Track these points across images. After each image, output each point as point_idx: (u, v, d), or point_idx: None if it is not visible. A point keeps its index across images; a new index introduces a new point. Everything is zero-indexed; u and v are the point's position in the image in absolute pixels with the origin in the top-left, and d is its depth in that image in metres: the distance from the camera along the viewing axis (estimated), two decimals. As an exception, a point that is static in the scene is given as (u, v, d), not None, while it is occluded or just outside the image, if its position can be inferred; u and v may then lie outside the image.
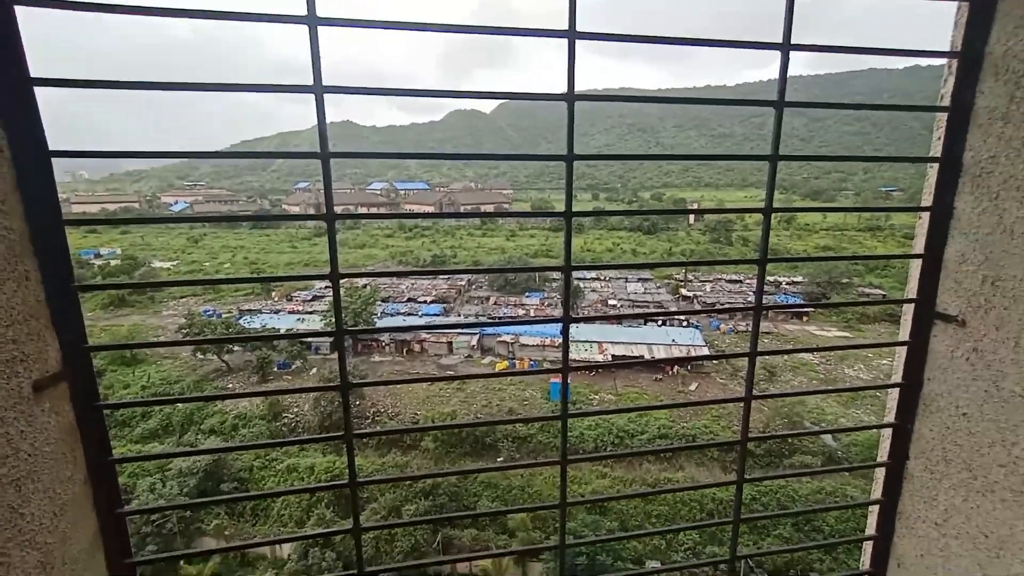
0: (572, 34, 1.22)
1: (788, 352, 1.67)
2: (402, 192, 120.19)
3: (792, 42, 1.34)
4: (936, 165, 1.50)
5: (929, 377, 1.59)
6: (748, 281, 48.91)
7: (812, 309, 23.41)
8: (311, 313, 39.76)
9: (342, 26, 1.11)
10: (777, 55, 1.37)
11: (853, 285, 46.64)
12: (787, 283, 48.98)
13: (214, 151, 1.21)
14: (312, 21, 1.08)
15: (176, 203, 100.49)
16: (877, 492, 1.76)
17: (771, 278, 49.40)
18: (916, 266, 1.59)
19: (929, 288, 1.55)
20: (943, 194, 1.49)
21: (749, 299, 43.88)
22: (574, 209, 1.37)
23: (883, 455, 1.75)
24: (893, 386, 1.68)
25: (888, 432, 1.71)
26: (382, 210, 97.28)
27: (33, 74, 1.02)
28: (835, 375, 32.09)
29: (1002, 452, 1.39)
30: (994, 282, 1.38)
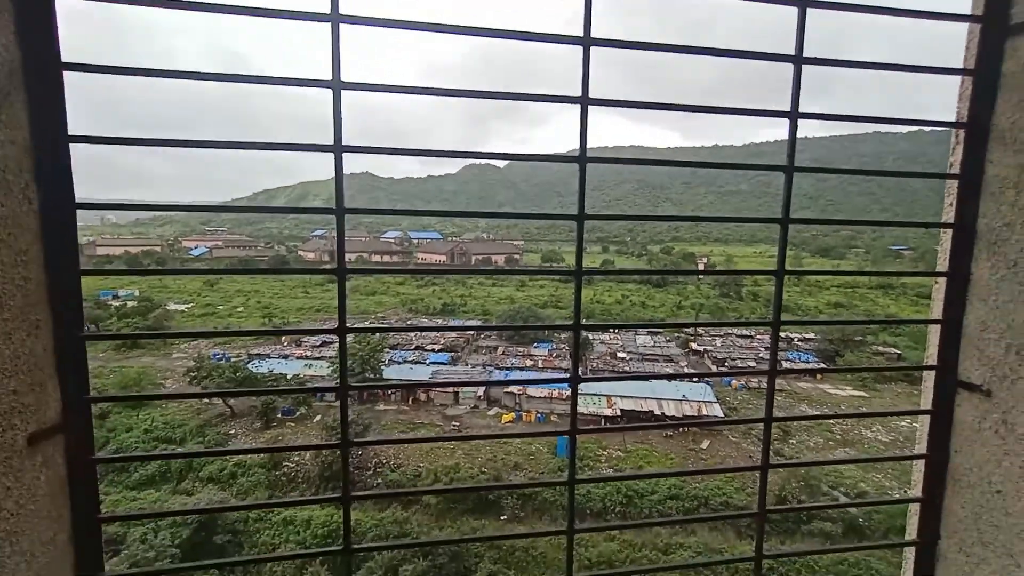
0: (585, 100, 1.26)
1: (806, 419, 1.60)
2: (415, 241, 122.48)
3: (800, 110, 1.38)
4: (950, 231, 1.48)
5: (956, 449, 1.50)
6: (759, 337, 48.15)
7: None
8: (319, 359, 39.53)
9: (365, 90, 1.15)
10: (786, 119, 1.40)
11: (867, 343, 45.42)
12: (799, 339, 48.16)
13: (237, 206, 1.24)
14: (336, 85, 1.13)
15: (196, 248, 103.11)
16: (908, 572, 1.63)
17: (783, 334, 48.59)
18: (935, 331, 1.54)
19: (950, 355, 1.50)
20: (959, 260, 1.47)
21: (760, 354, 43.11)
22: (585, 264, 1.37)
23: (911, 531, 1.64)
24: (918, 457, 1.59)
25: (916, 507, 1.61)
26: (395, 259, 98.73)
27: (71, 129, 1.05)
28: (852, 436, 30.86)
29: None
30: (1018, 351, 1.33)
